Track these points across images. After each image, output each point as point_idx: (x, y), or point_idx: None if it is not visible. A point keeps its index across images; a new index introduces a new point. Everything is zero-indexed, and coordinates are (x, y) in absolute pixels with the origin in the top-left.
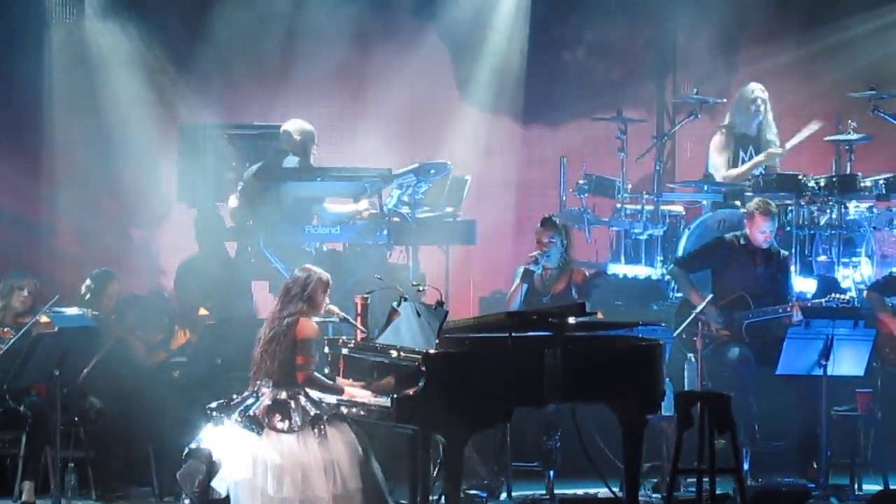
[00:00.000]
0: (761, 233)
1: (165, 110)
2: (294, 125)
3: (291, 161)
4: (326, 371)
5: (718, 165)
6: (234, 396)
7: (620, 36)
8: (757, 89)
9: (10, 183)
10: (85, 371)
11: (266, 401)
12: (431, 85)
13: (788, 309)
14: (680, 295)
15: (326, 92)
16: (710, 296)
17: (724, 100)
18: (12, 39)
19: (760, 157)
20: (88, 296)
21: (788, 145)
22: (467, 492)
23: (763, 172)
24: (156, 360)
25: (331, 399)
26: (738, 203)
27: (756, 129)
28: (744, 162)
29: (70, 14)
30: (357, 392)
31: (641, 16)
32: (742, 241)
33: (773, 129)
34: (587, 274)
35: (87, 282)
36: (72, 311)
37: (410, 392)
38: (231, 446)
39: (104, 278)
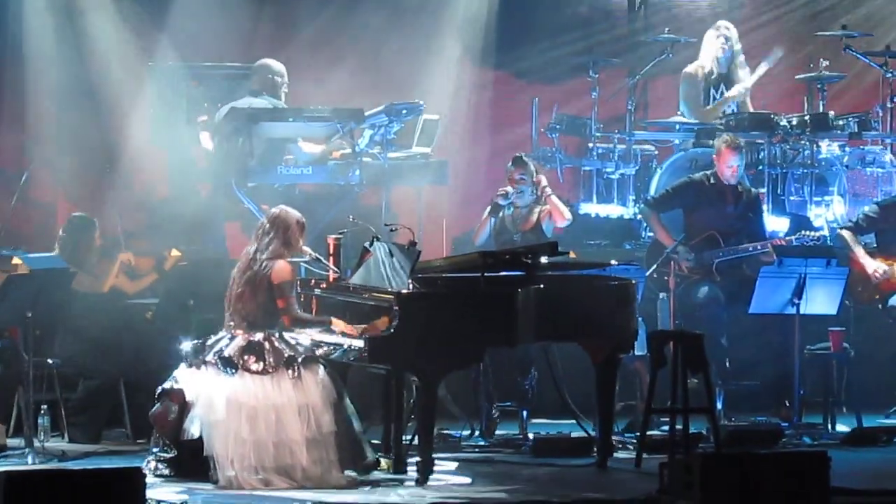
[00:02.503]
0: (728, 167)
1: (141, 53)
2: (267, 64)
3: (263, 101)
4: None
5: (689, 104)
6: (209, 337)
7: None
8: (722, 26)
9: None
10: None
11: (240, 342)
12: (402, 27)
13: (759, 247)
14: (652, 234)
15: (296, 34)
16: (683, 235)
17: (695, 39)
18: None
19: (731, 92)
20: (71, 240)
21: (753, 76)
22: (441, 431)
23: (735, 111)
24: (143, 286)
25: (305, 341)
26: (710, 142)
27: (725, 66)
28: (715, 100)
29: None
30: (344, 325)
31: None
32: (712, 181)
33: (745, 67)
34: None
35: (62, 231)
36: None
37: (382, 326)
38: (204, 387)
39: (83, 224)
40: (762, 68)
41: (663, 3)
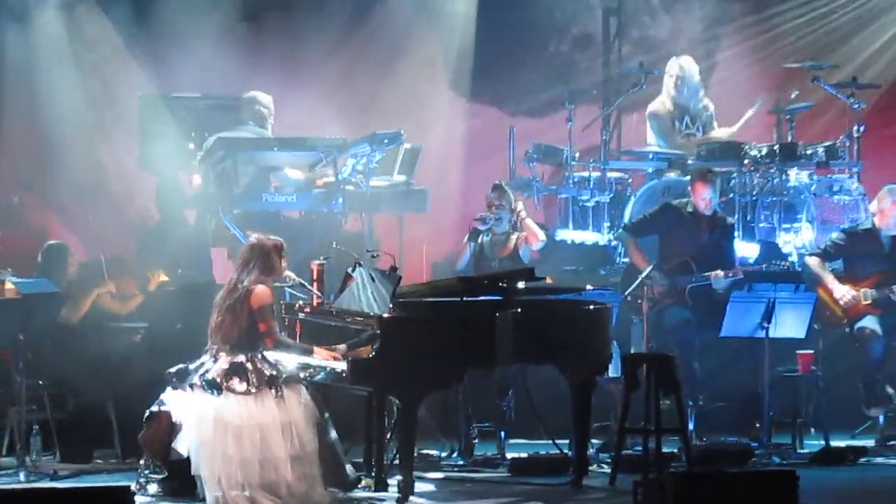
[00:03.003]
0: (702, 199)
1: (131, 84)
2: (254, 97)
3: (250, 131)
4: (284, 335)
5: (664, 137)
6: (193, 361)
7: (569, 10)
8: (675, 65)
9: None
10: None
11: (224, 364)
12: (385, 61)
13: (731, 275)
14: (626, 260)
15: (285, 66)
16: (657, 261)
17: (673, 75)
18: None
19: (716, 133)
20: (49, 268)
21: (740, 122)
22: (421, 451)
23: (706, 143)
24: (132, 307)
25: (288, 363)
26: (682, 172)
27: (688, 99)
28: (680, 132)
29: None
30: (325, 353)
31: None
32: (689, 209)
33: (707, 102)
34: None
35: (40, 257)
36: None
37: (364, 354)
38: (191, 409)
39: (57, 251)
40: (748, 114)
41: (638, 37)
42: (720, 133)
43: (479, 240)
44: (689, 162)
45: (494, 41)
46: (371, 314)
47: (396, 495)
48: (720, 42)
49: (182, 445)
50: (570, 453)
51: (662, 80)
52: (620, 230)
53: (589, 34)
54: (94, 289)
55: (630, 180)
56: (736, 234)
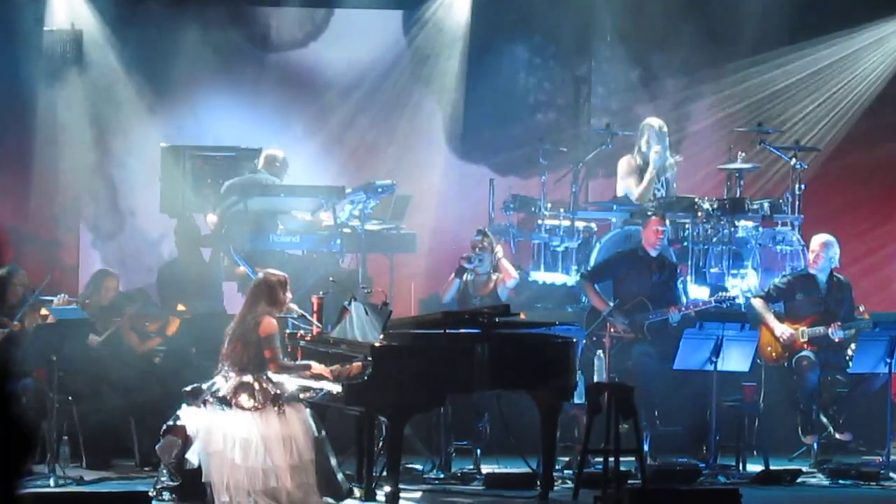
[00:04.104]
0: (655, 231)
1: (154, 134)
2: (273, 154)
3: (262, 179)
4: (286, 359)
5: (626, 186)
6: (206, 381)
7: (545, 77)
8: (649, 124)
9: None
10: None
11: (233, 383)
12: (381, 119)
13: (676, 311)
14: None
15: (292, 120)
16: (616, 301)
17: (630, 132)
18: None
19: (650, 171)
20: (89, 291)
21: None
22: (406, 465)
23: (664, 195)
24: (149, 347)
25: (290, 385)
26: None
27: (654, 155)
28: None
29: (68, 61)
30: (321, 368)
31: (565, 63)
32: (640, 253)
33: (670, 158)
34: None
35: (88, 281)
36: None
37: (358, 378)
38: (203, 423)
39: (102, 276)
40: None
41: (604, 102)
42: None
43: (464, 278)
44: (649, 214)
45: (480, 104)
46: (364, 343)
47: None
48: (689, 110)
49: (194, 456)
50: (538, 470)
51: (627, 139)
52: (579, 278)
53: (562, 99)
54: (171, 320)
55: (595, 229)
56: (689, 278)
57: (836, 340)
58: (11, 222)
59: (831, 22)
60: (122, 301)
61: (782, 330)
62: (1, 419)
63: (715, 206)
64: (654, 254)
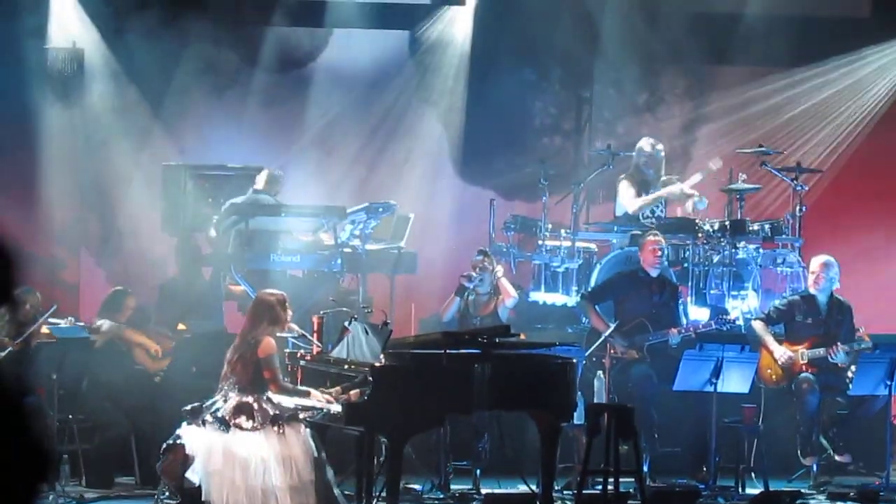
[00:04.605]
0: (651, 250)
1: (155, 155)
2: (275, 172)
3: (262, 199)
4: (287, 380)
5: (626, 204)
6: (206, 400)
7: (548, 99)
8: (647, 144)
9: (22, 227)
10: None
11: (233, 403)
12: (381, 140)
13: (676, 333)
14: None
15: (293, 141)
16: (617, 322)
17: (632, 154)
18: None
19: (662, 191)
20: (109, 308)
21: (688, 182)
22: (406, 485)
23: (664, 217)
24: (161, 366)
25: (288, 404)
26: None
27: (653, 175)
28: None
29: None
30: (321, 396)
31: (567, 85)
32: (640, 274)
33: (665, 175)
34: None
35: (106, 300)
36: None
37: (358, 399)
38: (203, 442)
39: (122, 296)
40: (696, 178)
41: (608, 126)
42: (672, 189)
43: (465, 297)
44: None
45: (482, 125)
46: (364, 363)
47: None
48: (693, 133)
49: (195, 475)
50: (537, 490)
51: (627, 160)
52: (580, 299)
53: (566, 122)
54: (145, 327)
55: (596, 249)
56: (689, 299)
57: (840, 366)
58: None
59: (835, 45)
60: (137, 319)
61: (781, 352)
62: (19, 438)
63: (716, 227)
64: (654, 274)
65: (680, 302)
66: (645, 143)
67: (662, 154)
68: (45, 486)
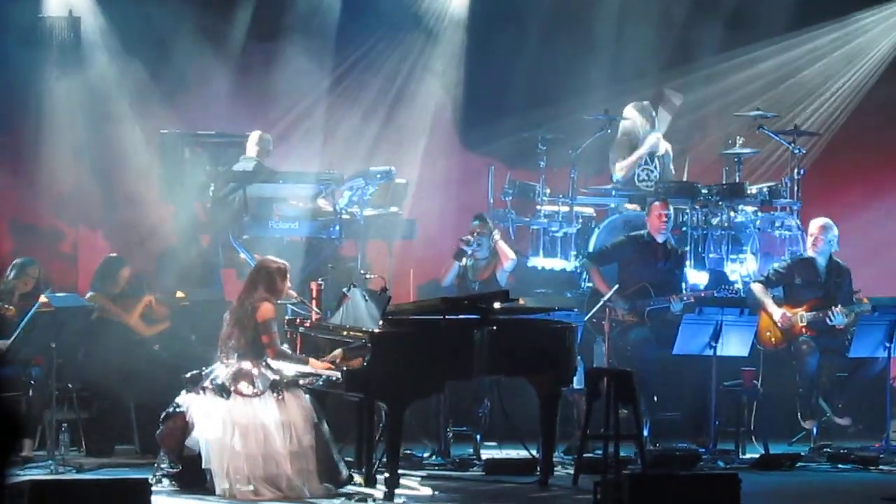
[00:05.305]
0: (658, 215)
1: (153, 123)
2: (260, 134)
3: (256, 165)
4: (285, 346)
5: (613, 171)
6: (205, 368)
7: (546, 65)
8: (628, 110)
9: (21, 199)
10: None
11: (232, 370)
12: (379, 105)
13: (684, 298)
14: (590, 285)
15: (291, 108)
16: (616, 286)
17: (628, 118)
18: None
19: (641, 149)
20: (103, 276)
21: (664, 125)
22: (406, 451)
23: (658, 177)
24: (156, 331)
25: (289, 371)
26: (638, 207)
27: (641, 137)
28: (638, 165)
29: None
30: (319, 364)
31: (565, 50)
32: (646, 238)
33: (666, 145)
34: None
35: (100, 266)
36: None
37: (357, 365)
38: (203, 410)
39: (116, 263)
40: (667, 117)
41: (602, 86)
42: (650, 139)
43: (463, 262)
44: (649, 200)
45: (480, 92)
46: (363, 329)
47: (384, 490)
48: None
49: (195, 443)
50: (537, 455)
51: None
52: (584, 259)
53: (564, 86)
54: (143, 296)
55: (594, 214)
56: (688, 262)
57: (839, 328)
58: (10, 212)
59: (835, 6)
60: (134, 286)
61: (781, 314)
62: None
63: (714, 191)
64: (660, 239)
65: (684, 268)
66: (627, 110)
67: (648, 114)
68: (17, 453)
